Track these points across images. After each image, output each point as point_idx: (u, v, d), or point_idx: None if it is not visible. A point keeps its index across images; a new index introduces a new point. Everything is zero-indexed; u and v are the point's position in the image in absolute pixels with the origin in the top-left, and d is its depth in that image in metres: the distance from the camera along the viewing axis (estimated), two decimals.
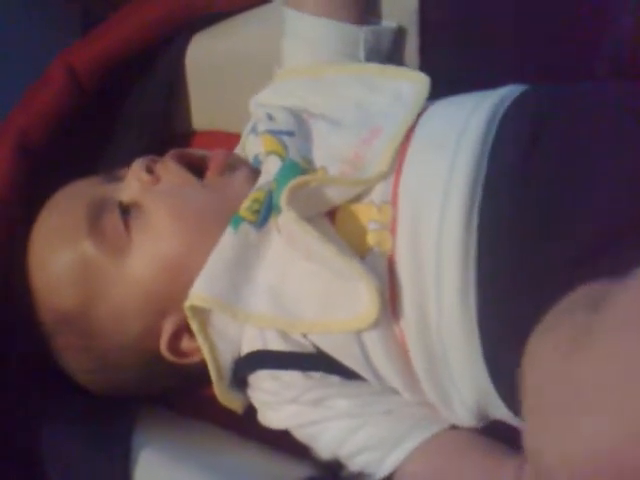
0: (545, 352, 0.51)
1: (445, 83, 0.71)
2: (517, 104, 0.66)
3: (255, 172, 0.74)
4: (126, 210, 0.71)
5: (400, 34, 0.80)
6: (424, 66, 0.76)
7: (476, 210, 0.62)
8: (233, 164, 0.75)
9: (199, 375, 0.72)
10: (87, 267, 0.70)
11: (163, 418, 0.76)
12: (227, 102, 0.88)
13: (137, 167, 0.73)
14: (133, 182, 0.73)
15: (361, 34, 0.78)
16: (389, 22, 0.80)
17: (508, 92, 0.68)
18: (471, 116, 0.66)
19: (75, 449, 0.72)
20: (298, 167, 0.68)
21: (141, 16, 0.84)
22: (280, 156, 0.70)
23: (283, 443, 0.73)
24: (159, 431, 0.74)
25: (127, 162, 0.75)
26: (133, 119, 0.86)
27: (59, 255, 0.71)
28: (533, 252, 0.60)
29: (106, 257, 0.70)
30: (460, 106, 0.69)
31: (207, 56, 0.86)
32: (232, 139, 0.82)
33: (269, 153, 0.71)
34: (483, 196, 0.62)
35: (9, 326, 0.73)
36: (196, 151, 0.77)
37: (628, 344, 0.45)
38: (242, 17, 0.85)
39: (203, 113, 0.90)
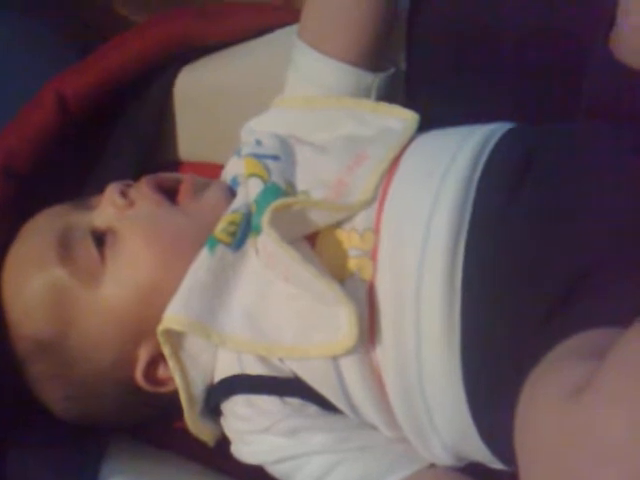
0: (545, 397, 0.49)
1: (432, 122, 0.71)
2: (506, 139, 0.66)
3: (230, 193, 0.74)
4: (100, 237, 0.71)
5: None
6: (411, 105, 0.75)
7: (462, 243, 0.61)
8: (205, 186, 0.75)
9: (173, 406, 0.70)
10: (60, 295, 0.70)
11: (133, 448, 0.75)
12: (214, 134, 0.88)
13: (111, 192, 0.73)
14: (107, 207, 0.72)
15: (375, 82, 0.77)
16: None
17: (497, 127, 0.68)
18: (460, 147, 0.66)
19: (42, 475, 0.70)
20: (280, 190, 0.68)
21: (133, 46, 0.85)
22: (262, 179, 0.69)
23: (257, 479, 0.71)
24: (128, 461, 0.73)
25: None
26: (121, 147, 0.87)
27: (31, 284, 0.71)
28: (517, 287, 0.59)
29: (80, 285, 0.70)
30: (449, 138, 0.68)
31: (196, 88, 0.87)
32: (219, 170, 0.81)
33: (251, 175, 0.70)
34: (468, 229, 0.61)
35: None
36: (169, 175, 0.77)
37: (631, 390, 0.43)
38: (232, 50, 0.86)
39: (190, 144, 0.90)
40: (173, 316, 0.67)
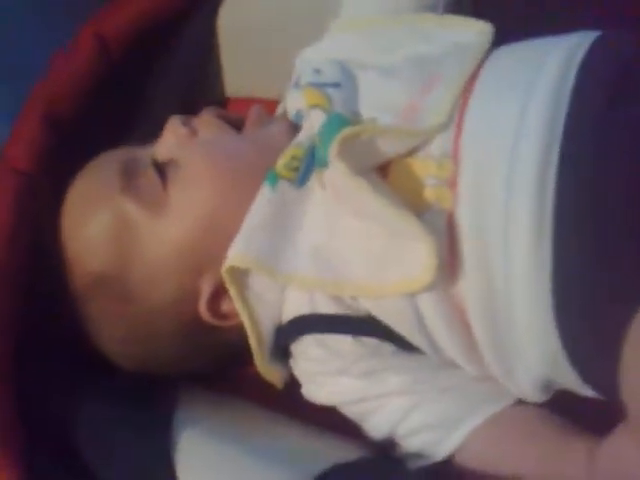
0: None
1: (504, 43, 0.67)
2: (599, 46, 0.62)
3: (294, 127, 0.72)
4: (162, 167, 0.69)
5: None
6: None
7: (554, 158, 0.57)
8: (270, 118, 0.73)
9: (237, 348, 0.70)
10: (122, 224, 0.69)
11: (204, 398, 0.73)
12: (263, 66, 0.86)
13: (173, 122, 0.72)
14: (170, 137, 0.71)
15: (441, 0, 0.74)
16: None
17: (585, 35, 0.64)
18: (546, 56, 0.62)
19: (114, 429, 0.69)
20: (345, 120, 0.65)
21: None
22: (324, 109, 0.67)
23: (330, 422, 0.70)
24: (200, 411, 0.72)
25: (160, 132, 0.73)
26: (165, 87, 0.84)
27: (93, 214, 0.70)
28: (615, 219, 0.56)
29: (142, 213, 0.68)
30: (530, 49, 0.65)
31: (241, 18, 0.84)
32: (269, 106, 0.79)
33: (312, 107, 0.68)
34: (561, 149, 0.58)
35: (43, 302, 0.70)
36: (232, 113, 0.76)
37: None
38: None
39: (237, 79, 0.89)
40: (236, 255, 0.65)
